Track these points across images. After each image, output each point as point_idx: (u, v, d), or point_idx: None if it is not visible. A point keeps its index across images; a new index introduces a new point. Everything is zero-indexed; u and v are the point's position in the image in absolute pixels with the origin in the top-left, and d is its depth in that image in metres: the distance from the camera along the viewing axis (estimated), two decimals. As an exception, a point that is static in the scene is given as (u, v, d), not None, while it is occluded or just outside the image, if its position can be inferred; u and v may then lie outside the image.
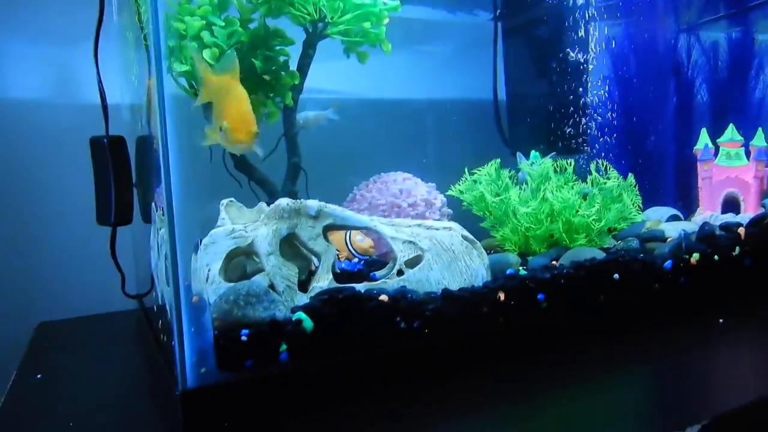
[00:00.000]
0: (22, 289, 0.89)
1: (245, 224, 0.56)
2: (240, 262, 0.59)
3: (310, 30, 0.75)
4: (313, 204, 0.58)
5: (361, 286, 0.57)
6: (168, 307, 0.47)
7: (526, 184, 0.84)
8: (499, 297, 0.60)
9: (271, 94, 0.74)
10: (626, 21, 1.07)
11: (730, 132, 0.95)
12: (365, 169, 0.93)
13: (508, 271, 0.66)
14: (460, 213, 0.89)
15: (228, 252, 0.54)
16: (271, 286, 0.54)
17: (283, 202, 0.57)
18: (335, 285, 0.56)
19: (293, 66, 0.76)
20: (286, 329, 0.49)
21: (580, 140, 1.01)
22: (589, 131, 1.02)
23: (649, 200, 1.04)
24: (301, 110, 0.81)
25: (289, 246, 0.62)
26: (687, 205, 1.03)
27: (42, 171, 0.89)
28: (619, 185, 0.82)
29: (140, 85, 0.62)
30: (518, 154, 0.94)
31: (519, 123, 1.07)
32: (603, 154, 1.02)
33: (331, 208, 0.59)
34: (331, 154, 0.92)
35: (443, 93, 1.09)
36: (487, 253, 0.86)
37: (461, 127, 1.07)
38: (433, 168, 1.00)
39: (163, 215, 0.47)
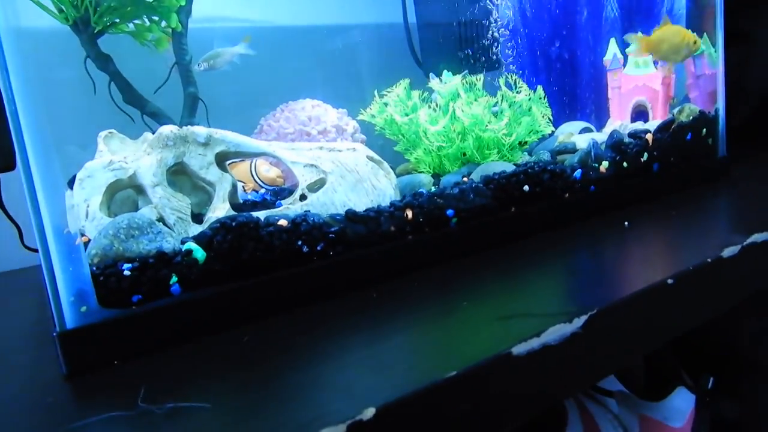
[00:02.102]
0: None
1: (126, 156, 0.52)
2: (130, 198, 0.55)
3: (192, -56, 0.69)
4: (201, 130, 0.54)
5: (261, 214, 0.54)
6: (40, 249, 0.43)
7: (437, 103, 0.82)
8: (407, 215, 0.59)
9: (155, 17, 0.68)
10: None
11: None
12: (273, 101, 0.89)
13: (418, 190, 0.65)
14: (372, 139, 0.87)
15: (108, 185, 0.50)
16: (161, 220, 0.51)
17: (167, 129, 0.53)
18: (232, 214, 0.53)
19: (177, -14, 0.70)
20: (175, 261, 0.46)
21: (493, 58, 0.99)
22: (500, 48, 1.00)
23: (563, 116, 1.05)
24: (204, 44, 0.75)
25: (187, 178, 0.59)
26: (600, 117, 1.04)
27: None
28: (529, 99, 0.81)
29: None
30: (431, 75, 0.92)
31: (431, 44, 1.04)
32: (516, 71, 1.01)
33: (223, 134, 0.56)
34: (236, 85, 0.87)
35: (352, 18, 1.05)
36: (403, 174, 0.85)
37: (373, 51, 1.03)
38: (345, 94, 0.96)
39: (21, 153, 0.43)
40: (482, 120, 0.75)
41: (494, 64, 1.00)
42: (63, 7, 0.62)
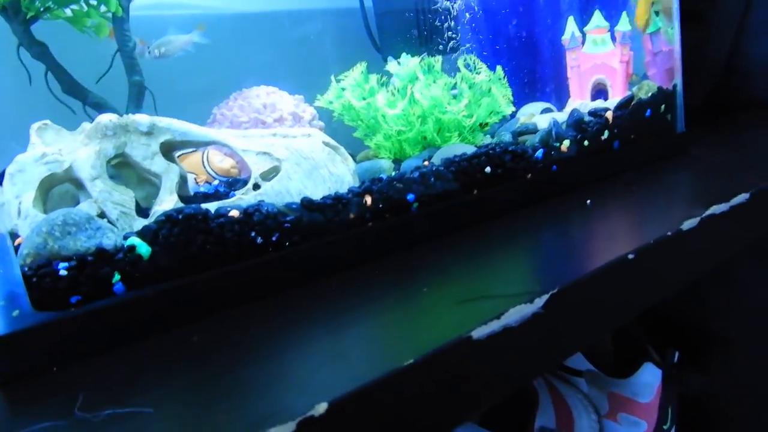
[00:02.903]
0: None
1: (61, 148, 0.49)
2: (68, 193, 0.52)
3: None
4: (143, 119, 0.51)
5: (212, 205, 0.51)
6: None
7: (395, 86, 0.80)
8: (366, 201, 0.57)
9: (94, 1, 0.64)
10: None
11: (596, 18, 0.95)
12: (227, 90, 0.85)
13: (377, 175, 0.63)
14: (333, 125, 0.84)
15: (41, 180, 0.47)
16: (102, 215, 0.48)
17: (105, 117, 0.49)
18: (180, 206, 0.51)
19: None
20: (117, 258, 0.43)
21: (452, 39, 0.98)
22: (459, 29, 0.98)
23: (524, 97, 1.04)
24: (154, 32, 0.72)
25: (132, 170, 0.56)
26: (561, 97, 1.03)
27: None
28: (489, 80, 0.79)
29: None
30: (389, 58, 0.90)
31: (389, 27, 1.02)
32: (474, 53, 0.99)
33: (167, 122, 0.53)
34: (187, 74, 0.84)
35: (308, 3, 1.02)
36: (363, 160, 0.83)
37: (329, 36, 1.00)
38: (302, 82, 0.93)
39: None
40: (442, 102, 0.73)
41: (453, 46, 0.99)
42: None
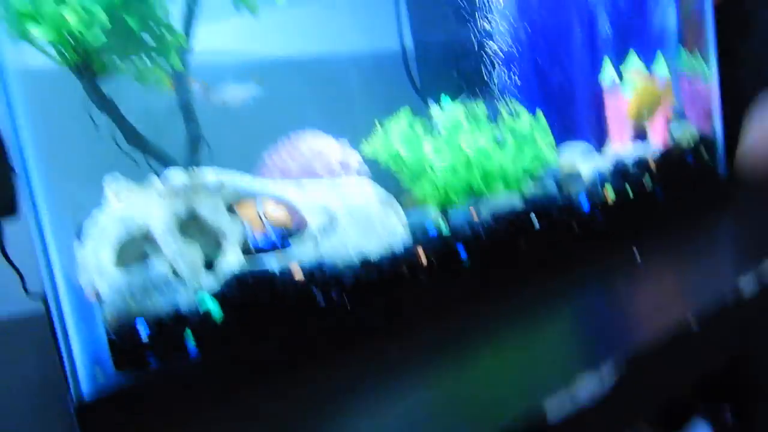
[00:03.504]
0: None
1: (135, 204, 0.51)
2: (138, 247, 0.54)
3: (192, -17, 0.68)
4: (210, 176, 0.53)
5: (272, 262, 0.53)
6: (52, 309, 0.42)
7: (440, 133, 0.81)
8: (419, 257, 0.58)
9: (156, 57, 0.67)
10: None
11: (632, 59, 0.96)
12: (273, 131, 0.88)
13: (428, 228, 0.65)
14: (377, 169, 0.86)
15: (118, 236, 0.49)
16: (173, 271, 0.50)
17: (176, 176, 0.52)
18: (244, 262, 0.52)
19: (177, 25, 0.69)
20: (192, 320, 0.45)
21: (489, 81, 0.99)
22: (497, 71, 1.00)
23: (561, 135, 1.04)
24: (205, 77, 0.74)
25: (192, 221, 0.58)
26: (599, 136, 1.04)
27: None
28: (531, 126, 0.81)
29: None
30: (429, 100, 0.91)
31: (428, 69, 1.04)
32: (512, 94, 1.01)
33: (231, 177, 0.55)
34: (234, 118, 0.86)
35: (349, 45, 1.05)
36: (409, 209, 0.85)
37: (371, 78, 1.03)
38: (345, 124, 0.96)
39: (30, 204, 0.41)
40: (487, 151, 0.75)
41: (492, 88, 1.00)
42: (63, 50, 0.61)
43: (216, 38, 0.79)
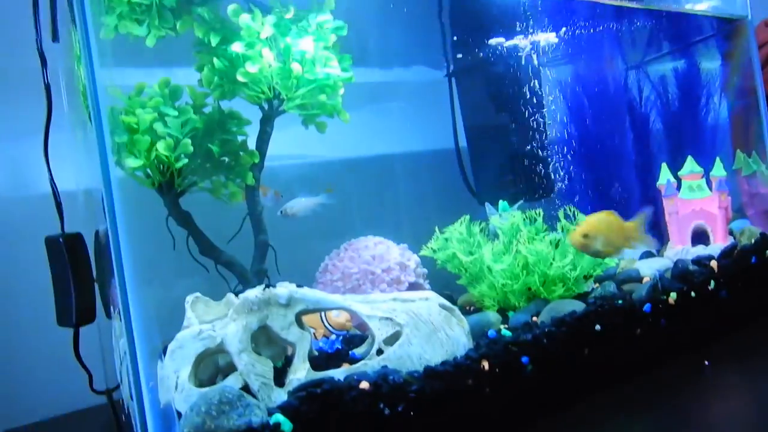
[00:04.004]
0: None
1: (213, 322, 0.54)
2: (212, 359, 0.57)
3: (266, 108, 0.74)
4: (283, 292, 0.56)
5: (340, 373, 0.54)
6: (134, 423, 0.44)
7: (498, 237, 0.83)
8: (483, 366, 0.59)
9: (231, 176, 0.73)
10: (576, 65, 1.09)
11: (690, 164, 0.97)
12: (334, 234, 0.91)
13: (489, 333, 0.65)
14: (434, 271, 0.88)
15: (197, 355, 0.51)
16: (245, 387, 0.52)
17: (251, 294, 0.55)
18: (313, 375, 0.54)
19: (251, 144, 0.75)
20: (264, 434, 0.46)
21: (545, 185, 1.01)
22: (552, 176, 1.02)
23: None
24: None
25: (262, 332, 0.60)
26: (657, 239, 1.03)
27: (-1, 269, 0.85)
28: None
29: (94, 175, 0.60)
30: (486, 204, 0.94)
31: (483, 173, 1.07)
32: (569, 197, 1.02)
33: (302, 293, 0.57)
34: (297, 222, 0.90)
35: (406, 148, 1.10)
36: (466, 310, 0.85)
37: (427, 182, 1.06)
38: (402, 226, 0.99)
39: (120, 320, 0.45)
40: (547, 257, 0.76)
41: (548, 191, 1.02)
42: (150, 172, 0.66)
43: (284, 146, 0.84)
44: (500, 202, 0.92)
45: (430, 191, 1.08)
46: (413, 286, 0.82)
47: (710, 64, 1.16)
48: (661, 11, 1.05)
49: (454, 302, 0.74)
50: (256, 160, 0.73)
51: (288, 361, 0.60)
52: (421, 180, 1.08)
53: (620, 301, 0.71)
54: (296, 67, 0.69)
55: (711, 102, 1.13)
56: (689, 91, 1.13)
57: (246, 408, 0.47)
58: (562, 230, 0.83)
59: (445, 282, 0.88)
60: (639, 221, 0.76)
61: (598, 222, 0.73)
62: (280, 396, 0.52)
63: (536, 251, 0.76)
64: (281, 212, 0.79)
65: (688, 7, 1.03)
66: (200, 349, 0.52)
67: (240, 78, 0.67)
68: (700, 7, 1.04)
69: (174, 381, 0.50)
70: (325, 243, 0.90)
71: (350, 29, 0.77)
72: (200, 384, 0.52)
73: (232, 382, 0.51)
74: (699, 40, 1.13)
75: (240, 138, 0.73)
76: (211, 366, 0.57)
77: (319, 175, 0.98)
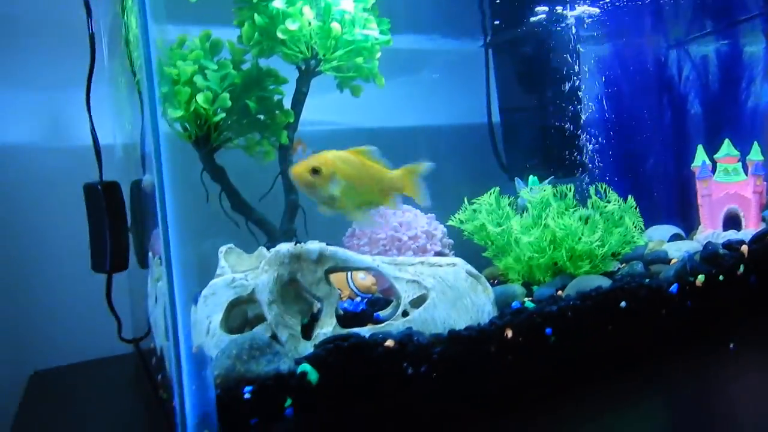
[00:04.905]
0: (14, 337, 0.87)
1: (245, 272, 0.55)
2: (241, 309, 0.58)
3: (303, 68, 0.74)
4: (314, 248, 0.57)
5: (365, 331, 0.55)
6: (168, 364, 0.46)
7: (527, 211, 0.83)
8: (507, 334, 0.59)
9: (266, 134, 0.73)
10: (616, 41, 1.07)
11: (726, 147, 0.95)
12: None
13: (513, 304, 0.65)
14: (460, 242, 0.88)
15: (229, 302, 0.53)
16: (273, 336, 0.53)
17: (284, 247, 0.56)
18: (339, 331, 0.55)
19: (287, 104, 0.75)
20: (290, 383, 0.47)
21: (577, 162, 1.00)
22: (585, 153, 1.01)
23: (649, 219, 1.03)
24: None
25: (291, 286, 0.61)
26: (687, 222, 1.02)
27: (35, 216, 0.87)
28: (620, 208, 0.81)
29: (133, 128, 0.62)
30: (516, 179, 0.93)
31: (515, 147, 1.07)
32: (600, 175, 1.01)
33: (332, 250, 0.58)
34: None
35: (437, 120, 1.09)
36: (491, 282, 0.85)
37: (458, 154, 1.06)
38: (431, 197, 0.99)
39: (160, 264, 0.46)
40: (576, 231, 0.75)
41: (580, 168, 1.01)
42: (188, 125, 0.68)
43: (316, 112, 0.85)
44: (530, 177, 0.92)
45: (462, 165, 1.07)
46: (438, 256, 0.82)
47: (754, 47, 1.13)
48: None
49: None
50: (291, 120, 0.73)
51: (314, 317, 0.61)
52: (450, 153, 1.08)
53: (647, 280, 0.71)
54: (336, 27, 0.69)
55: (752, 85, 1.10)
56: (730, 72, 1.10)
57: (275, 355, 0.48)
58: (593, 207, 0.82)
59: (470, 255, 0.88)
60: (406, 171, 0.64)
61: (338, 159, 0.57)
62: (307, 348, 0.53)
63: (565, 225, 0.76)
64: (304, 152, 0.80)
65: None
66: (232, 296, 0.53)
67: (280, 35, 0.68)
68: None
69: (206, 326, 0.51)
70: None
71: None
72: (230, 331, 0.53)
73: (262, 331, 0.52)
74: (744, 19, 1.10)
75: (276, 97, 0.74)
76: (240, 316, 0.58)
77: (348, 142, 0.98)
